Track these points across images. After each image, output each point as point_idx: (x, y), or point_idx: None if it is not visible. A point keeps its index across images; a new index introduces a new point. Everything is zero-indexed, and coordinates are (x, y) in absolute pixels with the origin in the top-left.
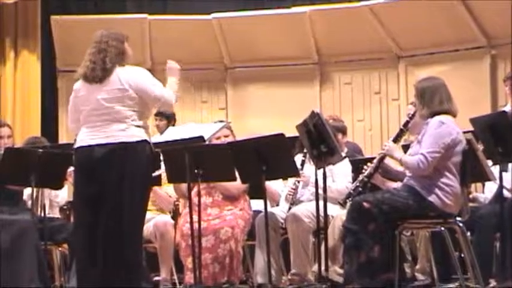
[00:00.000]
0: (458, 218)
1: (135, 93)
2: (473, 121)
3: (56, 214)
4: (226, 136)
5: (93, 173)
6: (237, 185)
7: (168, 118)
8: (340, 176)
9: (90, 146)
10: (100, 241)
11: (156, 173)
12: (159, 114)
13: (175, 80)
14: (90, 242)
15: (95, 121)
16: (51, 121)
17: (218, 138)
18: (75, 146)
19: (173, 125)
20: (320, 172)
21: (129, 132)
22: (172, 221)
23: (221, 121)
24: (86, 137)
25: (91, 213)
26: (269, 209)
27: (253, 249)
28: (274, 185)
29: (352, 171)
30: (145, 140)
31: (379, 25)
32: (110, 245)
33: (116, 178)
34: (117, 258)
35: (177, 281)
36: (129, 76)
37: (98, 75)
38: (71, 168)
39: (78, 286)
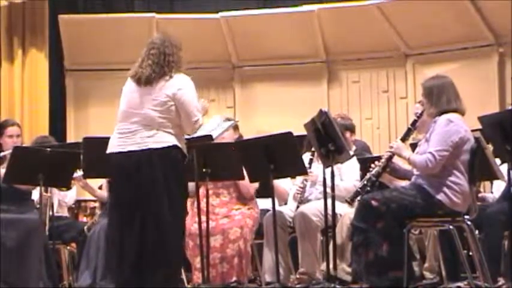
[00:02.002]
0: (466, 217)
1: (174, 103)
2: (481, 119)
3: (65, 213)
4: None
5: (126, 180)
6: (251, 184)
7: None
8: (348, 175)
9: (121, 153)
10: (132, 250)
11: None
12: None
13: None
14: (122, 249)
15: (126, 124)
16: (59, 120)
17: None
18: (107, 150)
19: None
20: (328, 171)
21: (157, 138)
22: None
23: (228, 119)
24: (116, 143)
25: (124, 218)
26: (277, 207)
27: (261, 247)
28: (282, 184)
29: (360, 170)
30: (175, 145)
31: (387, 23)
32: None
33: (147, 185)
34: (156, 268)
35: (185, 280)
36: (176, 86)
37: (155, 78)
38: (79, 173)
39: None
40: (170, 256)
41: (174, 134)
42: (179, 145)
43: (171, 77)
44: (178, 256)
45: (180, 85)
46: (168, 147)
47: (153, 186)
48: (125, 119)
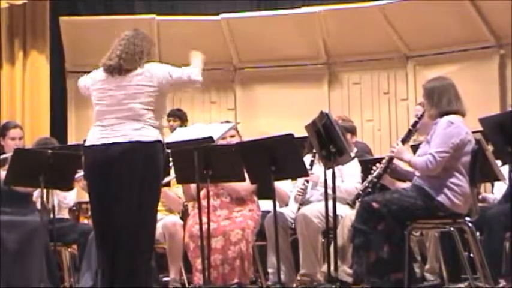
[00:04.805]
0: (467, 218)
1: (157, 86)
2: (482, 121)
3: (65, 215)
4: (232, 136)
5: (107, 172)
6: (244, 186)
7: (181, 118)
8: (349, 176)
9: (104, 144)
10: (114, 240)
11: (166, 180)
12: (172, 115)
13: (200, 61)
14: (106, 241)
15: (109, 119)
16: (60, 122)
17: (224, 138)
18: (87, 143)
19: (186, 126)
20: (329, 172)
21: (144, 132)
22: (182, 222)
23: (227, 121)
24: (99, 136)
25: (107, 211)
26: (278, 209)
27: (263, 249)
28: (283, 186)
29: (362, 172)
30: (160, 141)
31: (388, 25)
32: (122, 244)
33: (130, 178)
34: (128, 256)
35: (186, 282)
36: (150, 70)
37: (128, 67)
38: (80, 174)
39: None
40: (146, 244)
41: (158, 127)
42: (162, 140)
43: (142, 67)
44: (152, 244)
45: (152, 68)
46: (154, 141)
47: (135, 180)
48: (106, 115)
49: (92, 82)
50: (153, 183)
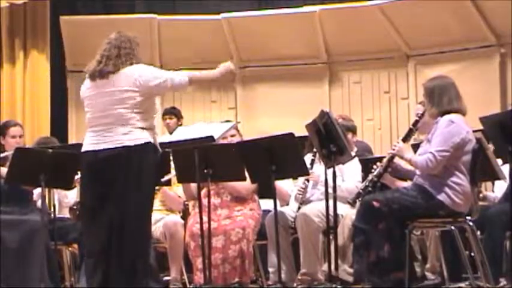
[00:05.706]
0: (468, 217)
1: (140, 90)
2: (482, 120)
3: (66, 214)
4: (232, 135)
5: (99, 178)
6: (246, 185)
7: (176, 116)
8: (350, 175)
9: (94, 151)
10: (107, 242)
11: (167, 178)
12: (168, 113)
13: (213, 74)
14: (98, 244)
15: (99, 125)
16: (60, 121)
17: (224, 138)
18: (82, 150)
19: (181, 123)
20: (330, 171)
21: (133, 135)
22: (182, 221)
23: (228, 121)
24: (90, 142)
25: (98, 215)
26: (279, 208)
27: (263, 248)
28: (284, 185)
29: (362, 171)
30: (149, 142)
31: (389, 24)
32: (117, 246)
33: (121, 182)
34: (123, 258)
35: (187, 281)
36: (133, 73)
37: (109, 69)
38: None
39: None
40: (143, 245)
41: (147, 129)
42: (152, 141)
43: (124, 69)
44: (149, 244)
45: (134, 71)
46: (143, 144)
47: (127, 183)
48: (96, 121)
49: (82, 92)
50: (146, 185)
